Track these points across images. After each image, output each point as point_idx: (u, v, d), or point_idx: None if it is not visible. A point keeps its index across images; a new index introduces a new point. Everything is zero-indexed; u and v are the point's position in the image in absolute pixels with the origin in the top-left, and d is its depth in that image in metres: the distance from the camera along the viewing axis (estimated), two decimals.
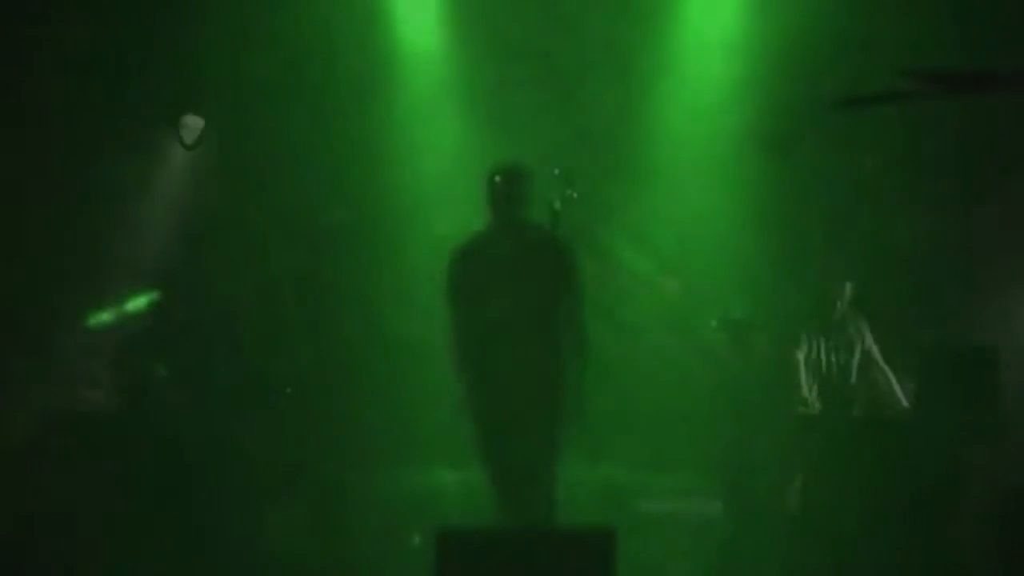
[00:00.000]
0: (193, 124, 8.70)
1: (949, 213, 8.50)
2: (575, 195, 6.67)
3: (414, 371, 9.32)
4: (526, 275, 6.88)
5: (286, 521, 8.45)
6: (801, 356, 8.15)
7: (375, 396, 9.28)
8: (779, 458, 8.50)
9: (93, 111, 8.63)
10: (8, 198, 8.31)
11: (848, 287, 8.15)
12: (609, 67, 9.53)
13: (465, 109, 9.60)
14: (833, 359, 8.21)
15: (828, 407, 8.27)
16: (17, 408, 7.70)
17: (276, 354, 8.86)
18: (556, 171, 6.72)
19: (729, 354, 8.79)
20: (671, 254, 9.58)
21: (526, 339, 6.86)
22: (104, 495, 7.78)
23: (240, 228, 8.94)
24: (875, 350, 8.20)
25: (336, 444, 8.94)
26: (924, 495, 7.56)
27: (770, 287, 9.03)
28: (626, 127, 9.46)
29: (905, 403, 8.05)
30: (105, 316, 7.90)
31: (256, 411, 8.61)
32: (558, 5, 9.50)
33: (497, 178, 6.98)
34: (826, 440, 8.09)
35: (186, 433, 8.23)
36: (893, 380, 8.12)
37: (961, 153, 8.47)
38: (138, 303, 8.05)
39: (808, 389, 8.15)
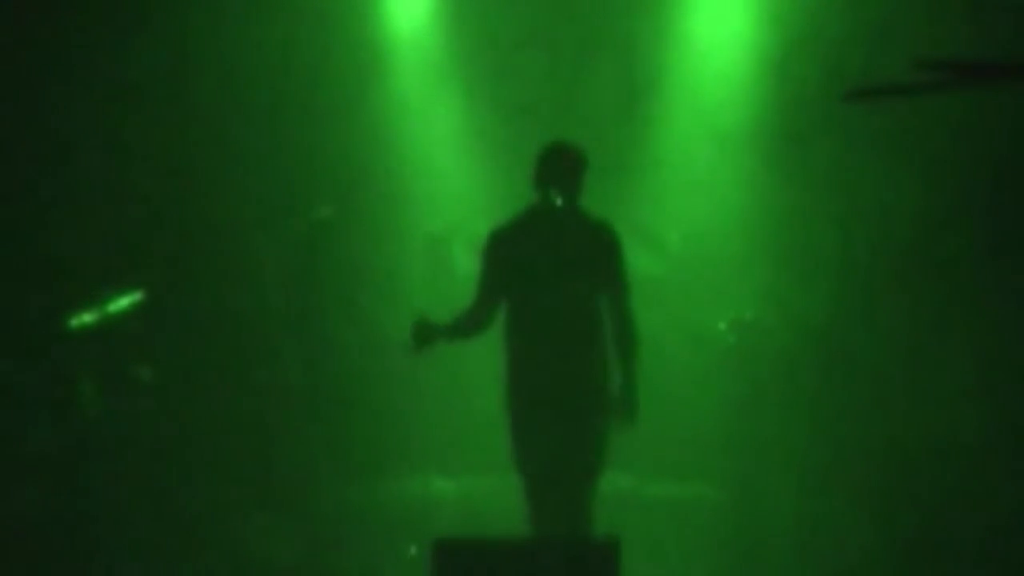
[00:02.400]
0: None
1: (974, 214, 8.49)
2: None
3: (409, 374, 9.27)
4: (574, 265, 6.65)
5: (276, 530, 8.45)
6: None
7: (368, 400, 9.25)
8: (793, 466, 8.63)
9: (76, 98, 8.63)
10: None
11: None
12: (613, 58, 9.53)
13: (461, 101, 9.61)
14: None
15: None
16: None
17: (264, 357, 8.91)
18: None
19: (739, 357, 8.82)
20: (680, 253, 9.58)
21: (571, 333, 6.65)
22: (88, 500, 7.80)
23: (226, 225, 8.95)
24: None
25: (328, 450, 8.95)
26: None
27: (780, 287, 9.02)
28: (630, 120, 9.45)
29: None
30: (87, 317, 7.87)
31: (240, 413, 8.65)
32: None
33: (556, 155, 6.69)
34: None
35: (171, 439, 8.29)
36: None
37: (988, 150, 8.46)
38: (121, 304, 8.02)
39: None
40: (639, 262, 9.26)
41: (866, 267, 8.80)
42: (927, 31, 8.33)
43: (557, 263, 6.60)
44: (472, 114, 9.58)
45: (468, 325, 6.82)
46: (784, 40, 9.11)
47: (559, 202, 6.59)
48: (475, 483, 8.89)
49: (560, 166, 6.63)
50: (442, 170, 9.60)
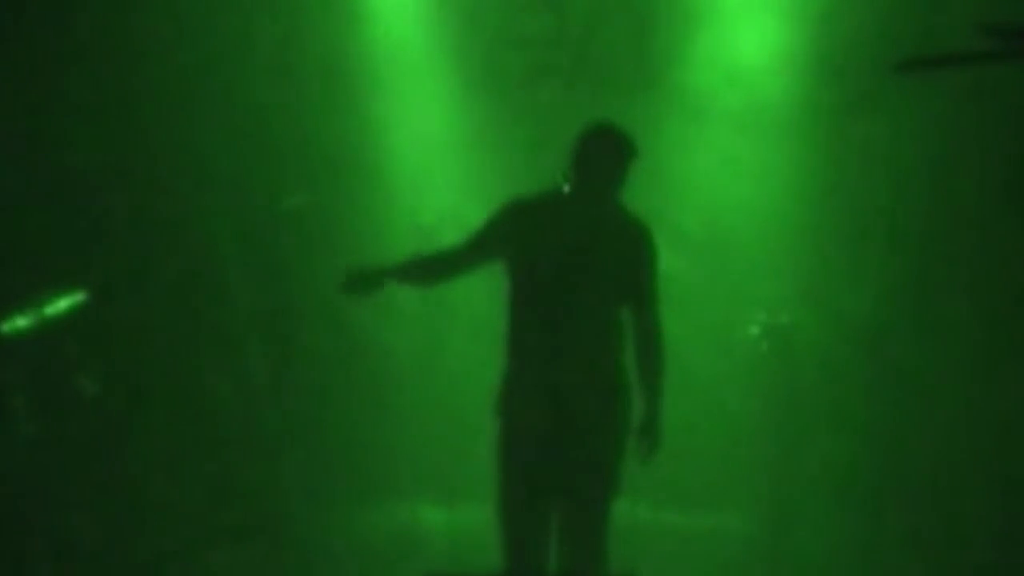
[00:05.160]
0: None
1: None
2: None
3: (396, 388, 9.46)
4: (605, 266, 6.51)
5: (244, 565, 8.38)
6: None
7: (349, 418, 9.27)
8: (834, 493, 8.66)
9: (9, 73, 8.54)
10: None
11: None
12: (628, 23, 9.51)
13: (455, 73, 9.56)
14: None
15: None
16: None
17: (228, 366, 8.87)
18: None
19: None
20: (702, 246, 9.55)
21: (592, 341, 6.50)
22: (24, 535, 7.71)
23: (182, 215, 8.87)
24: None
25: (305, 475, 8.96)
26: None
27: (821, 285, 9.01)
28: (648, 94, 9.38)
29: None
30: (20, 321, 7.81)
31: (202, 433, 8.61)
32: None
33: (602, 139, 6.51)
34: None
35: (121, 462, 8.23)
36: None
37: None
38: (60, 305, 7.95)
39: None
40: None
41: (918, 261, 8.80)
42: None
43: (586, 261, 6.50)
44: (467, 88, 9.52)
45: (431, 267, 6.67)
46: (826, 2, 9.06)
47: (597, 192, 6.49)
48: (468, 512, 8.85)
49: (606, 152, 6.51)
50: (432, 152, 9.55)
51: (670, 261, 9.20)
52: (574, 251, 6.46)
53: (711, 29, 9.42)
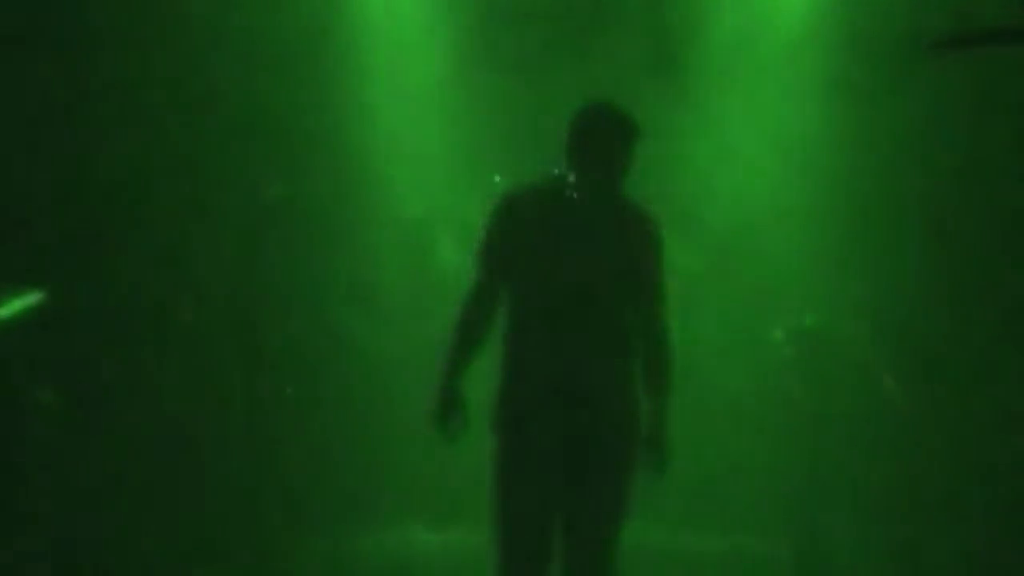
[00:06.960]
0: None
1: None
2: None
3: (383, 396, 9.38)
4: (607, 263, 6.35)
5: None
6: None
7: (332, 430, 9.16)
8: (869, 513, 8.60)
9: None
10: None
11: None
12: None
13: (448, 52, 9.50)
14: None
15: None
16: None
17: (200, 375, 8.75)
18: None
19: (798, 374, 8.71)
20: (722, 239, 9.52)
21: (595, 346, 6.34)
22: None
23: (150, 208, 8.77)
24: None
25: (284, 492, 8.90)
26: None
27: (854, 286, 8.89)
28: (663, 76, 9.32)
29: None
30: None
31: (172, 447, 8.48)
32: None
33: (598, 121, 6.37)
34: None
35: (84, 479, 8.10)
36: None
37: None
38: (14, 306, 7.82)
39: None
40: (673, 255, 9.09)
41: (955, 253, 8.72)
42: None
43: (591, 260, 6.34)
44: (463, 69, 9.47)
45: (480, 323, 6.52)
46: None
47: (596, 182, 6.32)
48: (462, 535, 8.82)
49: (603, 136, 6.33)
50: (425, 139, 9.47)
51: (689, 260, 9.22)
52: (577, 249, 6.31)
53: (733, 7, 9.40)
